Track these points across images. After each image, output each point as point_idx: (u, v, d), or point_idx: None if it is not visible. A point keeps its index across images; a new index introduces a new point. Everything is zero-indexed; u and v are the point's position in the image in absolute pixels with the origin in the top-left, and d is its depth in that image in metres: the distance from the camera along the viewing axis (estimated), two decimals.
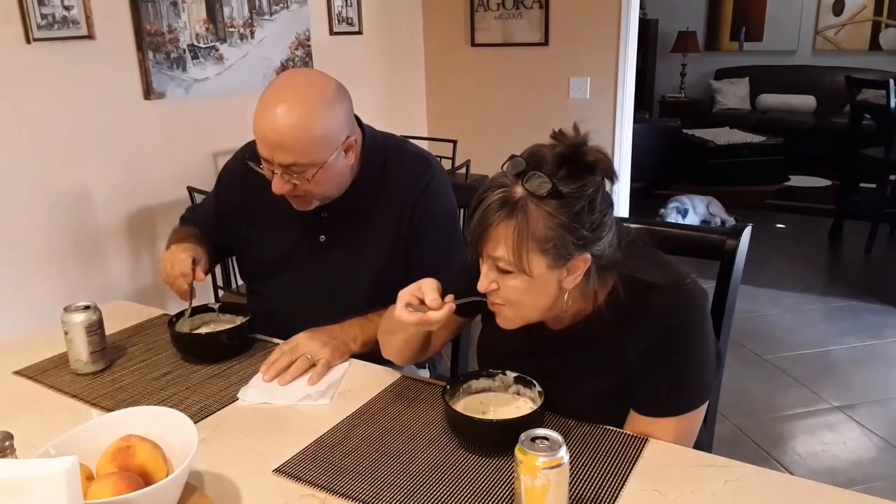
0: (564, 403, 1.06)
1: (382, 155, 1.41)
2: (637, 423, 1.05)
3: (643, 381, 1.03)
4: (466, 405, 1.06)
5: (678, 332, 1.01)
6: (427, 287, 1.04)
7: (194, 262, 1.35)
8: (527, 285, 0.96)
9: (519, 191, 0.93)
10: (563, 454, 0.80)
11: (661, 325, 1.00)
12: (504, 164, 0.96)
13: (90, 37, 2.32)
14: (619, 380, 1.04)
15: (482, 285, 1.00)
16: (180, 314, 1.37)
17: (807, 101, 6.48)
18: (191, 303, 1.36)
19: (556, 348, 1.10)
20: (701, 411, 1.05)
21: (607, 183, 0.98)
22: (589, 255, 0.97)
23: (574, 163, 0.94)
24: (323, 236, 1.42)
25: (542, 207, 0.92)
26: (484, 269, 1.00)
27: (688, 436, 1.05)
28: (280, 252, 1.45)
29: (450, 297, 1.04)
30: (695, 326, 1.02)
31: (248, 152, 1.34)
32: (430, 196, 1.41)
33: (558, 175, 0.93)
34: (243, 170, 1.46)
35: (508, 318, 1.03)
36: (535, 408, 1.01)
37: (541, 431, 0.83)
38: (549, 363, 1.09)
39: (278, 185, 1.27)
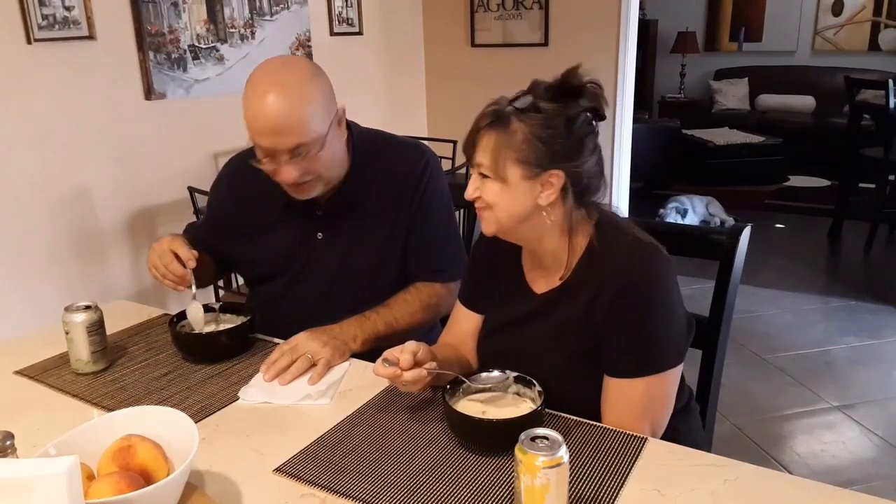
0: (545, 366, 1.09)
1: (373, 147, 1.44)
2: (609, 387, 1.07)
3: (609, 342, 1.06)
4: (466, 405, 1.06)
5: (637, 289, 1.03)
6: (407, 348, 1.07)
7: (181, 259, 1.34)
8: (502, 191, 1.05)
9: (508, 108, 1.04)
10: (563, 454, 0.80)
11: (620, 279, 1.03)
12: None
13: (91, 37, 2.32)
14: (592, 339, 1.07)
15: (468, 192, 1.09)
16: (181, 314, 1.37)
17: (806, 102, 6.48)
18: (193, 290, 1.36)
19: (542, 313, 1.14)
20: (671, 376, 1.07)
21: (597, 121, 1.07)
22: (562, 173, 1.03)
23: (561, 86, 1.04)
24: (320, 234, 1.44)
25: (522, 121, 1.02)
26: (472, 177, 1.09)
27: (659, 401, 1.07)
28: (279, 256, 1.46)
29: (431, 365, 1.07)
30: (653, 284, 1.04)
31: (240, 158, 1.35)
32: (428, 182, 1.44)
33: (544, 96, 1.03)
34: (230, 182, 1.47)
35: (489, 222, 1.09)
36: (535, 407, 1.01)
37: (541, 431, 0.83)
38: (534, 328, 1.14)
39: (288, 173, 1.27)
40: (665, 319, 1.05)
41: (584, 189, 1.06)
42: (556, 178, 1.03)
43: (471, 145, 1.07)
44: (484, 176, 1.06)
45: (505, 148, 1.02)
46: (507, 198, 1.05)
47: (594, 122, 1.06)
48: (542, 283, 1.15)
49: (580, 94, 1.03)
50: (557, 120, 1.02)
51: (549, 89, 1.04)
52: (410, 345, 1.08)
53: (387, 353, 1.07)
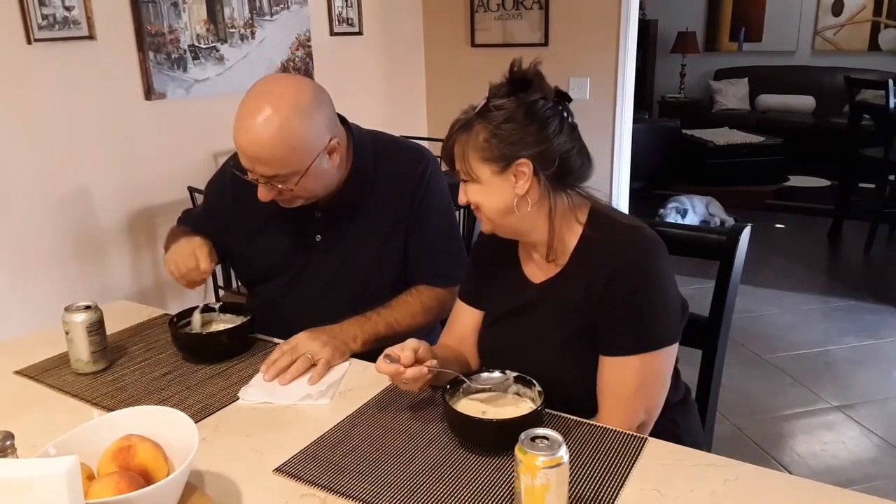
0: (543, 354, 1.11)
1: (373, 150, 1.43)
2: (604, 366, 1.09)
3: (605, 321, 1.07)
4: (466, 405, 1.06)
5: (630, 268, 1.06)
6: (408, 345, 1.08)
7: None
8: (481, 189, 1.10)
9: (472, 114, 1.09)
10: (563, 453, 0.80)
11: (614, 261, 1.06)
12: None
13: (91, 37, 2.32)
14: (588, 321, 1.09)
15: (459, 198, 1.14)
16: (181, 314, 1.37)
17: (806, 102, 6.48)
18: (205, 294, 1.38)
19: (540, 302, 1.15)
20: (666, 354, 1.08)
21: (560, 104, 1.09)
22: (528, 160, 1.06)
23: (510, 81, 1.08)
24: (319, 236, 1.43)
25: (482, 122, 1.07)
26: (460, 184, 1.13)
27: (653, 380, 1.08)
28: (277, 256, 1.46)
29: (432, 363, 1.08)
30: (646, 263, 1.07)
31: (234, 161, 1.35)
32: (428, 183, 1.43)
33: (499, 94, 1.07)
34: (232, 180, 1.46)
35: (483, 222, 1.15)
36: (535, 407, 1.01)
37: (541, 431, 0.83)
38: (532, 317, 1.16)
39: (263, 193, 1.30)
40: (659, 297, 1.07)
41: (559, 170, 1.08)
42: (525, 165, 1.06)
43: (448, 156, 1.12)
44: (464, 180, 1.11)
45: (470, 150, 1.08)
46: (487, 195, 1.09)
47: (560, 106, 1.09)
48: (538, 274, 1.17)
49: (527, 85, 1.07)
50: (517, 112, 1.05)
51: (501, 86, 1.08)
52: (412, 342, 1.08)
53: (388, 350, 1.08)
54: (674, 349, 1.10)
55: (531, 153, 1.05)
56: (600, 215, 1.12)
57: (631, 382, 1.06)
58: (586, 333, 1.09)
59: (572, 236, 1.12)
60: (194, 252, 1.34)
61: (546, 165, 1.06)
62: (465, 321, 1.27)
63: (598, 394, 1.09)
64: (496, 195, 1.08)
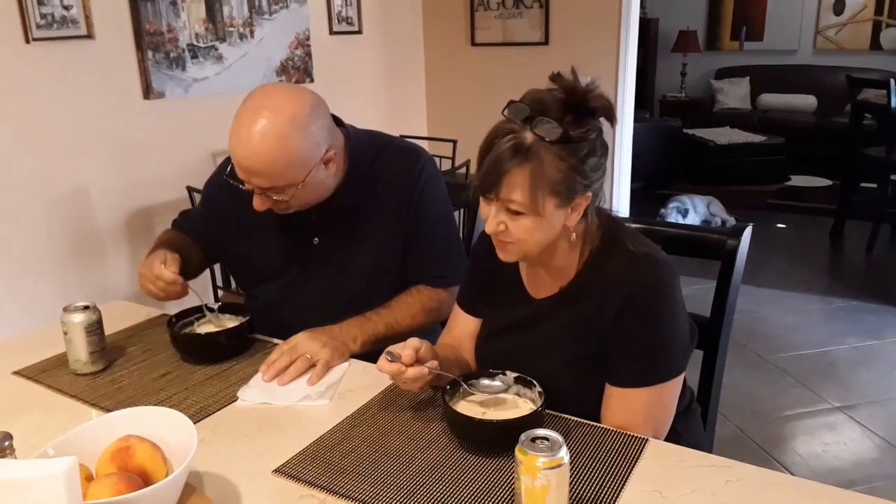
0: (542, 371, 1.08)
1: (370, 152, 1.42)
2: (611, 395, 1.07)
3: (614, 351, 1.05)
4: (466, 406, 1.06)
5: (644, 299, 1.03)
6: (409, 344, 1.07)
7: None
8: (536, 225, 1.00)
9: (529, 136, 0.97)
10: (564, 454, 0.80)
11: (627, 290, 1.03)
12: (504, 109, 1.01)
13: (89, 36, 2.32)
14: (594, 348, 1.07)
15: (490, 227, 1.03)
16: (180, 314, 1.37)
17: (808, 101, 6.47)
18: (202, 300, 1.38)
19: (541, 318, 1.13)
20: (674, 386, 1.07)
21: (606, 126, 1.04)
22: (591, 194, 1.02)
23: (578, 108, 0.98)
24: (316, 238, 1.43)
25: (552, 151, 0.97)
26: (493, 211, 1.02)
27: (661, 409, 1.07)
28: (274, 260, 1.45)
29: (433, 363, 1.07)
30: (660, 294, 1.04)
31: (230, 169, 1.33)
32: (425, 185, 1.42)
33: (565, 120, 0.97)
34: (228, 182, 1.46)
35: (512, 253, 1.07)
36: (535, 408, 1.01)
37: (541, 432, 0.83)
38: (533, 333, 1.14)
39: (258, 203, 1.29)
40: (671, 329, 1.05)
41: (598, 201, 1.06)
42: (586, 199, 1.02)
43: (495, 182, 0.98)
44: (515, 212, 1.00)
45: (542, 184, 0.97)
46: (541, 230, 1.01)
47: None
48: (541, 290, 1.14)
49: (595, 113, 1.01)
50: (586, 147, 0.99)
51: (564, 109, 0.97)
52: (413, 341, 1.08)
53: (391, 348, 1.07)
54: (682, 377, 1.09)
55: (595, 187, 1.02)
56: (610, 235, 1.08)
57: (638, 412, 1.05)
58: (591, 358, 1.07)
59: (581, 259, 1.09)
60: (153, 267, 1.31)
61: (598, 196, 1.04)
62: (464, 326, 1.26)
63: (602, 419, 1.08)
64: (549, 229, 1.02)
